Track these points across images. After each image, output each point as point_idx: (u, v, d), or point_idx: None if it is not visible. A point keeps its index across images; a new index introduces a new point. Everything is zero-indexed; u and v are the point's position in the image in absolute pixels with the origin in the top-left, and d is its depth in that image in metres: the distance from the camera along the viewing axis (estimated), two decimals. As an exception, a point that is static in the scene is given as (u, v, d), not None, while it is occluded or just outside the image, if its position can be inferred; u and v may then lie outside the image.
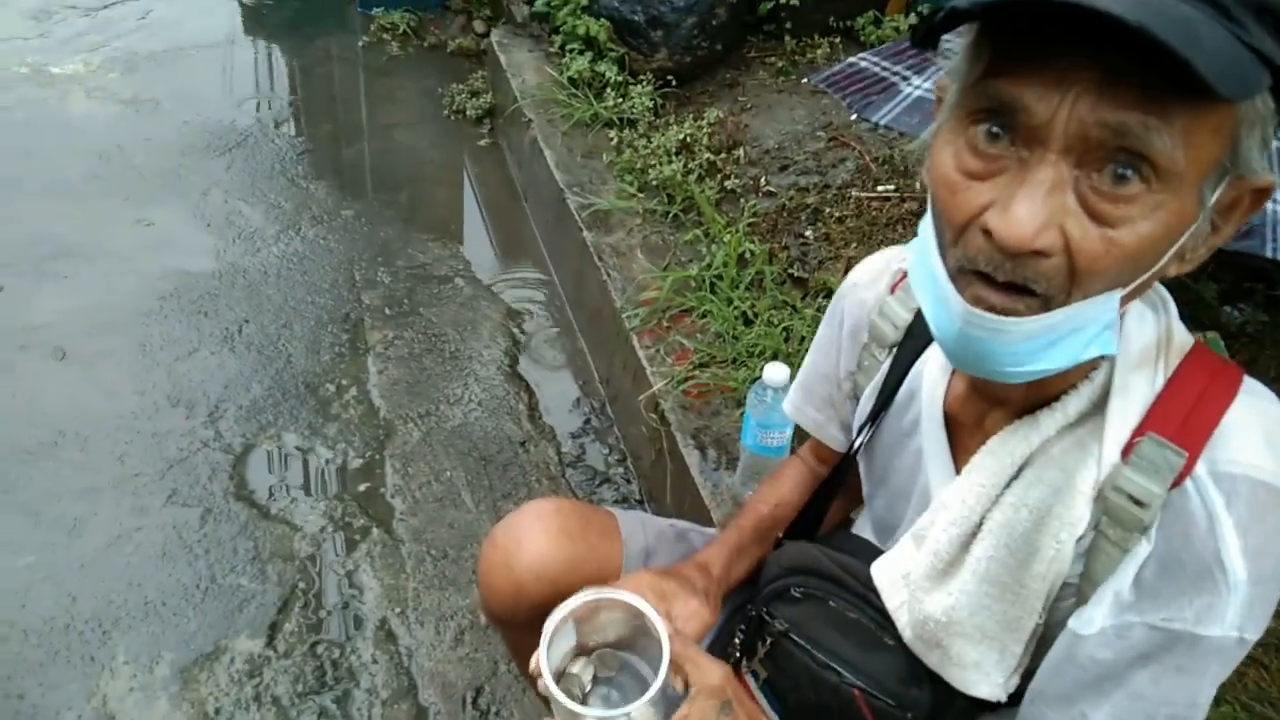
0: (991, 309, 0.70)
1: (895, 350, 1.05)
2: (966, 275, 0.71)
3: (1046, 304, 0.69)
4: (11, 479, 2.30)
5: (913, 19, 3.47)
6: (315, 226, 3.27)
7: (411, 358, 2.75)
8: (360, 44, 4.46)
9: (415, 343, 2.81)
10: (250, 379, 2.63)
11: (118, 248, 3.10)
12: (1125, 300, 0.71)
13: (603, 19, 3.37)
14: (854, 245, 2.62)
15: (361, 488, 2.35)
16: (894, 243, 2.63)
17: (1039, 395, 0.85)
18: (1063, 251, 0.67)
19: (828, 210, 2.77)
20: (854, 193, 2.82)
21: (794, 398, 1.27)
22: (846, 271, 2.51)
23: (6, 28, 4.44)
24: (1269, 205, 1.42)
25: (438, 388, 2.66)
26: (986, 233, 0.68)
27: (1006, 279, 0.69)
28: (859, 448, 1.11)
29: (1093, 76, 0.62)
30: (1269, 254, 1.40)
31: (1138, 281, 0.70)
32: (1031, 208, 0.65)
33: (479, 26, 4.45)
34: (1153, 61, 0.58)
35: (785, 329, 2.32)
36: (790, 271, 2.56)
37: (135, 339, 2.74)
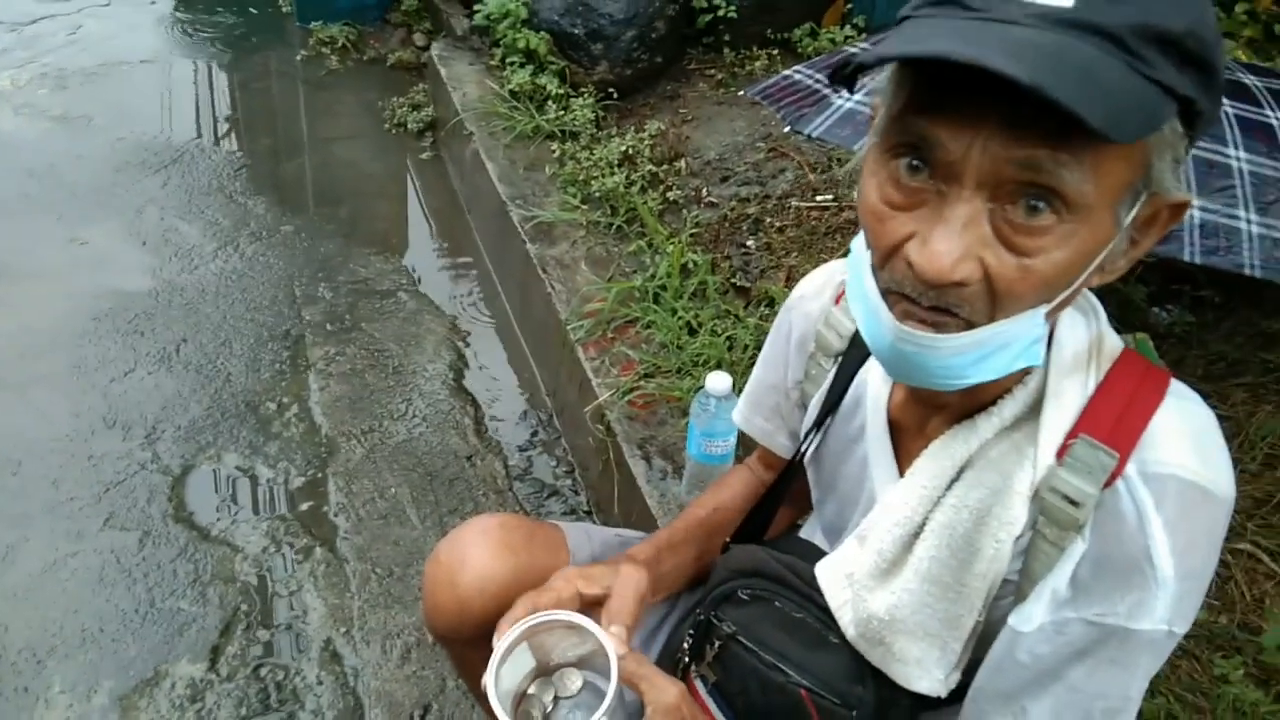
0: (922, 323, 0.73)
1: (840, 359, 1.08)
2: (895, 295, 0.74)
3: (970, 325, 0.72)
4: (-61, 507, 2.24)
5: (848, 30, 3.53)
6: (254, 243, 3.23)
7: (354, 374, 2.73)
8: (299, 58, 4.42)
9: (357, 358, 2.78)
10: (189, 399, 2.58)
11: (50, 267, 3.03)
12: (1051, 314, 0.74)
13: (543, 32, 3.38)
14: (794, 254, 2.65)
15: (304, 506, 2.32)
16: (833, 251, 2.67)
17: (975, 401, 0.88)
18: (981, 280, 0.69)
19: (768, 220, 2.80)
20: (794, 202, 2.86)
21: (742, 408, 1.29)
22: (788, 280, 2.55)
23: (-70, 43, 4.34)
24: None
25: (381, 404, 2.63)
26: (909, 263, 0.71)
27: (930, 304, 0.72)
28: (806, 454, 1.12)
29: (1001, 118, 0.64)
30: (1187, 258, 1.45)
31: (1060, 298, 0.73)
32: (949, 244, 0.68)
33: (419, 39, 4.43)
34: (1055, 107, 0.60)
35: (729, 338, 2.34)
36: (733, 281, 2.59)
37: (69, 360, 2.68)
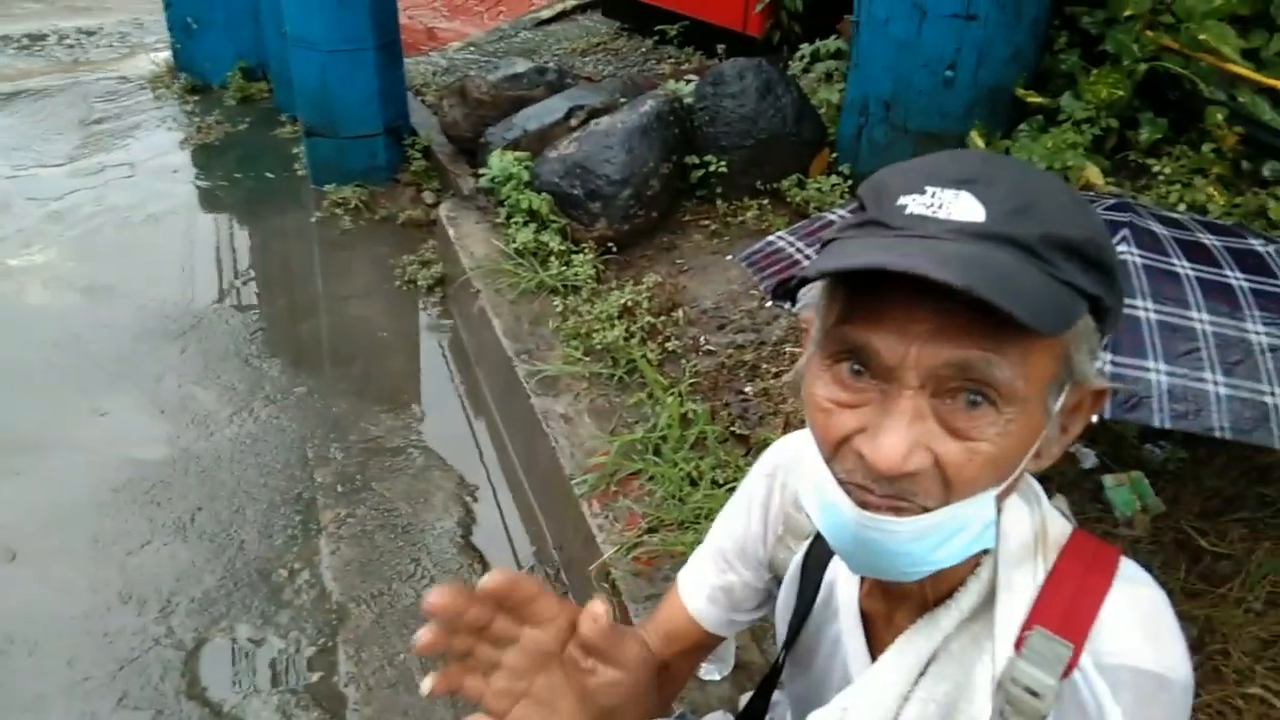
0: (879, 509, 0.76)
1: (809, 544, 1.08)
2: (850, 485, 0.77)
3: (926, 510, 0.76)
4: (-44, 691, 2.26)
5: (834, 179, 3.68)
6: (268, 406, 3.32)
7: (364, 535, 2.77)
8: (314, 219, 4.61)
9: (368, 519, 2.83)
10: (203, 569, 2.63)
11: (72, 439, 3.12)
12: (1000, 497, 0.78)
13: (544, 193, 3.54)
14: (792, 400, 2.72)
15: (315, 677, 2.33)
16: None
17: (935, 592, 0.90)
18: (933, 466, 0.74)
19: (765, 366, 2.88)
20: (789, 348, 2.94)
21: (692, 570, 1.20)
22: (786, 427, 2.61)
23: (-35, 222, 4.56)
24: (1154, 376, 1.52)
25: (390, 565, 2.67)
26: (860, 455, 0.75)
27: (885, 493, 0.76)
28: (788, 646, 1.11)
29: (932, 323, 0.71)
30: (1157, 424, 1.49)
31: (1007, 482, 0.78)
32: (897, 437, 0.73)
33: (428, 198, 4.63)
34: (982, 307, 0.66)
35: (730, 489, 2.38)
36: (732, 429, 2.64)
37: (87, 534, 2.73)
